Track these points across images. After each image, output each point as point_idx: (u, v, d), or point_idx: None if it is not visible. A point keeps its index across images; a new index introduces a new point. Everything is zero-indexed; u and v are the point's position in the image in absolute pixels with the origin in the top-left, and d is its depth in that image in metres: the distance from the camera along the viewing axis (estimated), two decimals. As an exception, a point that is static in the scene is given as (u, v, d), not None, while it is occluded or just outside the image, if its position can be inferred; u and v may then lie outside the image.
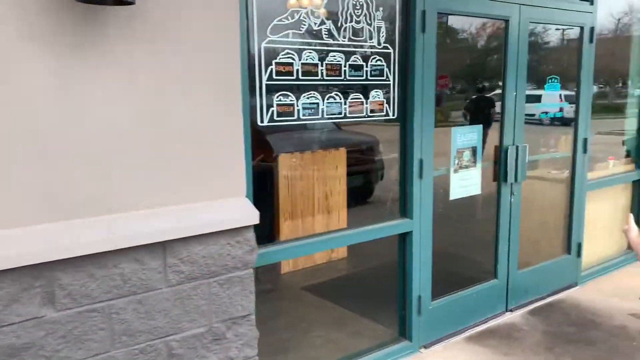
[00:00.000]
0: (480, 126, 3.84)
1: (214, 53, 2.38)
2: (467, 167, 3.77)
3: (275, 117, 2.83)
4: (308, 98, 2.94)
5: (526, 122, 4.04)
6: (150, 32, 2.21)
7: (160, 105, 2.27)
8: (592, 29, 4.41)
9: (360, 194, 4.83)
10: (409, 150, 3.42)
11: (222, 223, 2.44)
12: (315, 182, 3.91)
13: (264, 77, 2.76)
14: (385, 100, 3.30)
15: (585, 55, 4.43)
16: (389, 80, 3.29)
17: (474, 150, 3.79)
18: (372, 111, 3.24)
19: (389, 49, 3.26)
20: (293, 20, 2.83)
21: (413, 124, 3.37)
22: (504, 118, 3.93)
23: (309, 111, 2.96)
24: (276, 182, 3.71)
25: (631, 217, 2.51)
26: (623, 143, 5.59)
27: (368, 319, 4.09)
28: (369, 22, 3.14)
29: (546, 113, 4.31)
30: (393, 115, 3.35)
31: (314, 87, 2.98)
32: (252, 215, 2.54)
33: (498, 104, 3.95)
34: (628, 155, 5.58)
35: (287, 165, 3.78)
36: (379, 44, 3.21)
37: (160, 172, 2.31)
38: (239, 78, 2.50)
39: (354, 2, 3.05)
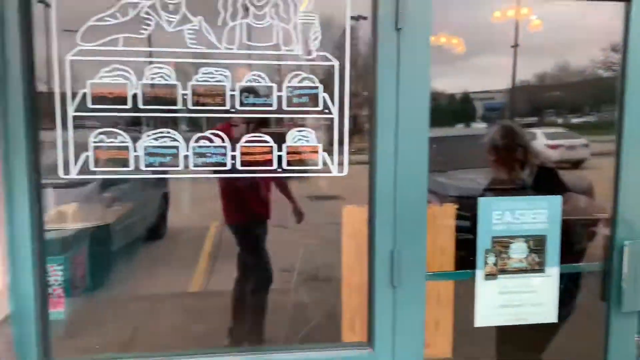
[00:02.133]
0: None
1: None
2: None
3: (91, 167, 1.85)
4: (157, 139, 1.86)
5: None
6: None
7: None
8: None
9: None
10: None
11: None
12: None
13: (71, 107, 1.81)
14: (322, 145, 1.95)
15: None
16: (330, 113, 1.94)
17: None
18: (292, 163, 1.94)
19: (328, 60, 1.92)
20: (126, 17, 1.82)
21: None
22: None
23: (160, 159, 1.87)
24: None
25: None
26: None
27: None
28: (285, 16, 1.89)
29: None
30: (340, 171, 1.97)
31: (169, 122, 1.88)
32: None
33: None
34: None
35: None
36: (308, 52, 1.91)
37: None
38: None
39: (252, -15, 1.86)
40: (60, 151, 1.81)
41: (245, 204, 3.62)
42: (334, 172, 1.96)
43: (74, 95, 1.80)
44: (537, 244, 2.06)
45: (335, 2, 1.90)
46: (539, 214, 2.05)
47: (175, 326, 4.39)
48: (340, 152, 1.95)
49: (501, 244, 2.04)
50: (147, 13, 1.81)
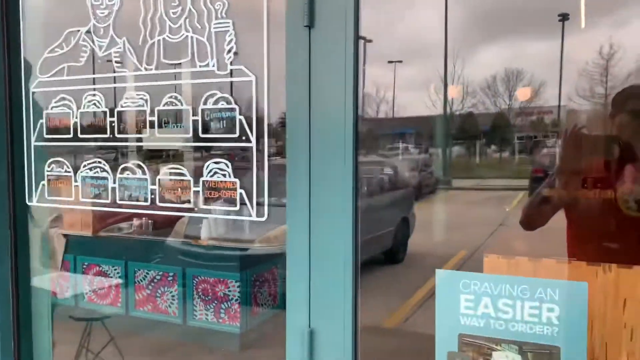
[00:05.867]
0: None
1: None
2: None
3: (47, 196, 1.88)
4: (91, 169, 1.78)
5: None
6: None
7: None
8: None
9: None
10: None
11: None
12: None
13: (32, 137, 1.89)
14: (239, 181, 1.55)
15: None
16: (249, 141, 1.52)
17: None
18: (209, 199, 1.60)
19: (247, 75, 1.52)
20: (70, 46, 1.80)
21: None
22: None
23: (95, 190, 1.78)
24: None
25: None
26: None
27: None
28: (200, 25, 1.57)
29: None
30: (257, 214, 1.53)
31: (101, 152, 1.78)
32: None
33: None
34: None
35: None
36: (223, 67, 1.55)
37: None
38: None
39: (169, -4, 1.61)
40: (26, 180, 1.90)
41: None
42: (253, 215, 1.54)
43: (35, 125, 1.88)
44: (541, 360, 1.20)
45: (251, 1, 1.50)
46: (544, 310, 1.20)
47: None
48: (260, 190, 1.52)
49: (477, 350, 1.26)
50: (84, 40, 1.76)
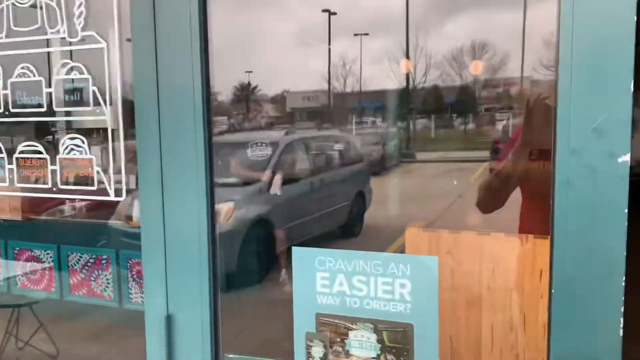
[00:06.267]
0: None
1: None
2: None
3: None
4: (-51, 148, 1.63)
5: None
6: None
7: None
8: None
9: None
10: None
11: None
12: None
13: None
14: (96, 159, 1.43)
15: None
16: (103, 114, 1.40)
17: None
18: (67, 181, 1.48)
19: (99, 42, 1.39)
20: None
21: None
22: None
23: (-47, 172, 1.64)
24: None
25: None
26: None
27: None
28: (47, -12, 1.43)
29: None
30: (116, 194, 1.42)
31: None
32: None
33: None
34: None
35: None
36: (74, 33, 1.41)
37: None
38: None
39: (13, -45, 1.46)
40: None
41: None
42: (112, 194, 1.42)
43: None
44: (395, 339, 1.14)
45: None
46: (397, 286, 1.12)
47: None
48: (118, 168, 1.41)
49: (334, 329, 1.19)
50: None
